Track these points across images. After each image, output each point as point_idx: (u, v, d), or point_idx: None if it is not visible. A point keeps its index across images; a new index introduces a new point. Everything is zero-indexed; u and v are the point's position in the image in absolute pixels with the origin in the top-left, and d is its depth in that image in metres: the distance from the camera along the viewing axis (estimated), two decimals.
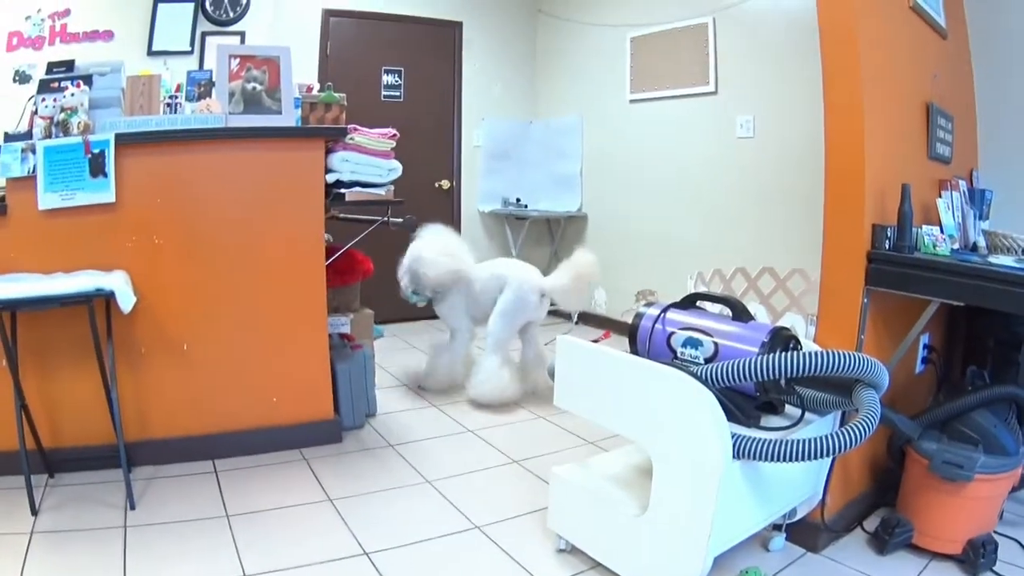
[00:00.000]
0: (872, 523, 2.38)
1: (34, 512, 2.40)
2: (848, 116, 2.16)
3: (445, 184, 5.80)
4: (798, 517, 2.25)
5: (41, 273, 2.52)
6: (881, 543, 2.25)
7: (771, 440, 1.75)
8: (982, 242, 2.62)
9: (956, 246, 2.44)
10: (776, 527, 2.29)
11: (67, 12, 4.23)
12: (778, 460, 1.73)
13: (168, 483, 2.72)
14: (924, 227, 2.27)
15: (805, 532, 2.30)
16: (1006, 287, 1.91)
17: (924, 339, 2.56)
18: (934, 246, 2.23)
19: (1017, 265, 2.04)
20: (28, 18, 4.16)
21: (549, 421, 3.57)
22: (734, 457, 1.74)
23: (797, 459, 1.72)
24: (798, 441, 1.73)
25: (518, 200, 5.87)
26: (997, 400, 2.20)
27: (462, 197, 5.89)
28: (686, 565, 1.82)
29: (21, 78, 4.11)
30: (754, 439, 1.75)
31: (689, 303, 2.24)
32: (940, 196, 2.51)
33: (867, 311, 2.19)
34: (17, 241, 2.59)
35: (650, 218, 5.09)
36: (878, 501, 2.52)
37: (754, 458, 1.74)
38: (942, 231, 2.35)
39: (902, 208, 2.17)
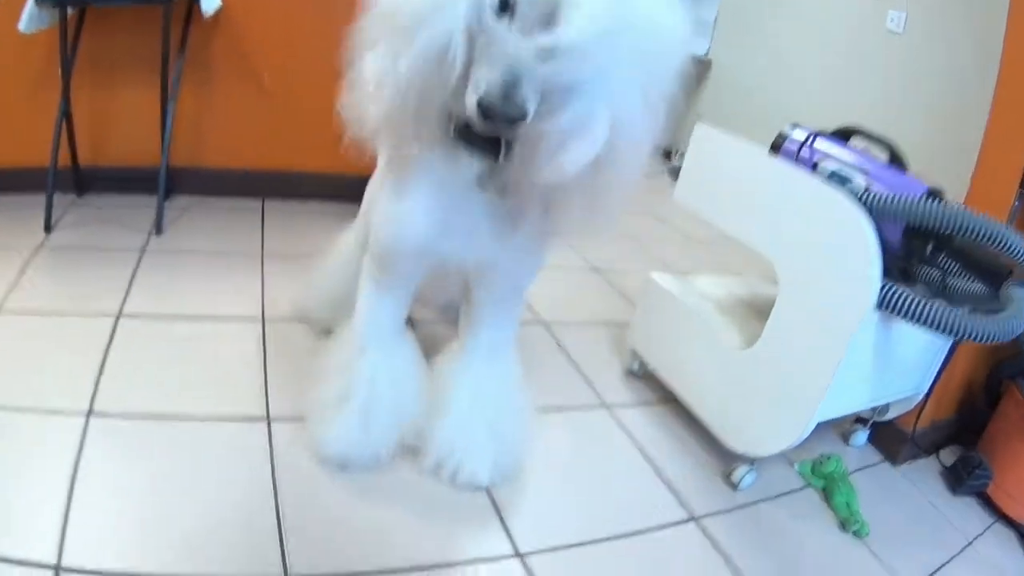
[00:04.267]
0: (948, 458, 2.14)
1: (48, 229, 2.27)
2: None
3: None
4: (888, 416, 2.02)
5: None
6: (957, 480, 2.02)
7: (927, 299, 1.48)
8: None
9: None
10: (861, 421, 2.08)
11: None
12: (927, 324, 1.47)
13: (206, 214, 2.58)
14: None
15: (889, 438, 2.09)
16: None
17: None
18: None
19: None
20: None
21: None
22: (878, 307, 1.48)
23: (947, 330, 1.45)
24: (953, 311, 1.46)
25: None
26: None
27: None
28: (787, 420, 1.61)
29: None
30: (907, 292, 1.48)
31: (843, 136, 1.84)
32: None
33: (1017, 213, 1.89)
34: None
35: (777, 93, 4.71)
36: (956, 436, 2.28)
37: (901, 313, 1.48)
38: None
39: None
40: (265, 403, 1.67)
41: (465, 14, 0.98)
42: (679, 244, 3.39)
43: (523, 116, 0.97)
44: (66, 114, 2.28)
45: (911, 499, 1.93)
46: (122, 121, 2.53)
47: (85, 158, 2.49)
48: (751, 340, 1.70)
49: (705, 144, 1.87)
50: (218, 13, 2.37)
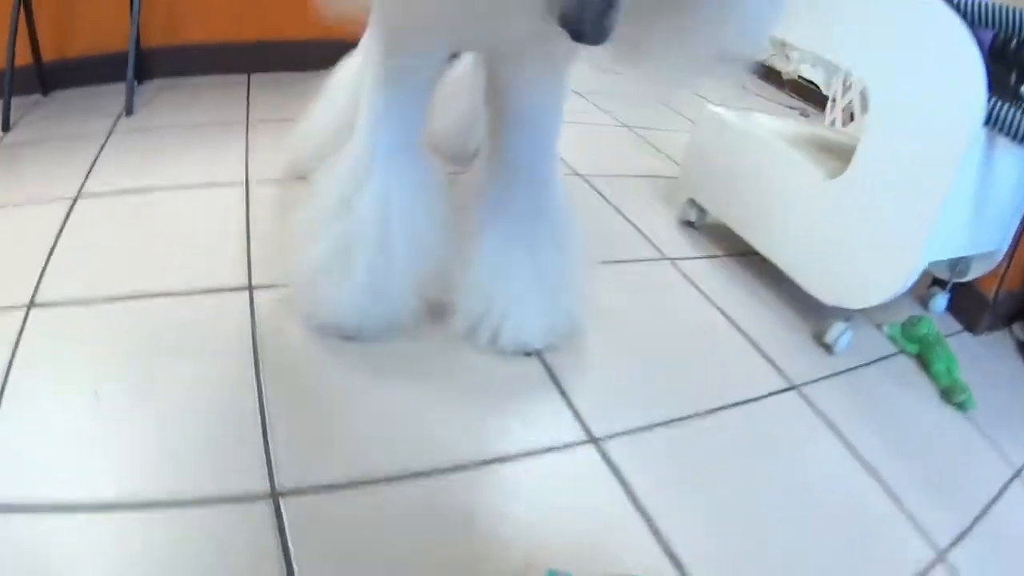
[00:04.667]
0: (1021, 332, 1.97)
1: (6, 128, 2.02)
2: None
3: None
4: (969, 277, 1.84)
5: None
6: None
7: None
8: None
9: None
10: (939, 284, 1.92)
11: None
12: None
13: (185, 93, 2.33)
14: None
15: (969, 304, 1.92)
16: None
17: None
18: None
19: None
20: None
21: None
22: (986, 124, 1.32)
23: None
24: None
25: None
26: None
27: None
28: (890, 262, 1.42)
29: None
30: (1016, 108, 1.31)
31: None
32: None
33: None
34: None
35: None
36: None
37: (1013, 131, 1.31)
38: None
39: None
40: (247, 272, 1.40)
41: None
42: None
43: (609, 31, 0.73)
44: (24, 4, 2.05)
45: (1000, 372, 1.76)
46: (86, 5, 2.26)
47: (48, 53, 2.24)
48: (834, 174, 1.52)
49: None
50: None
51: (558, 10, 0.73)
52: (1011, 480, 1.35)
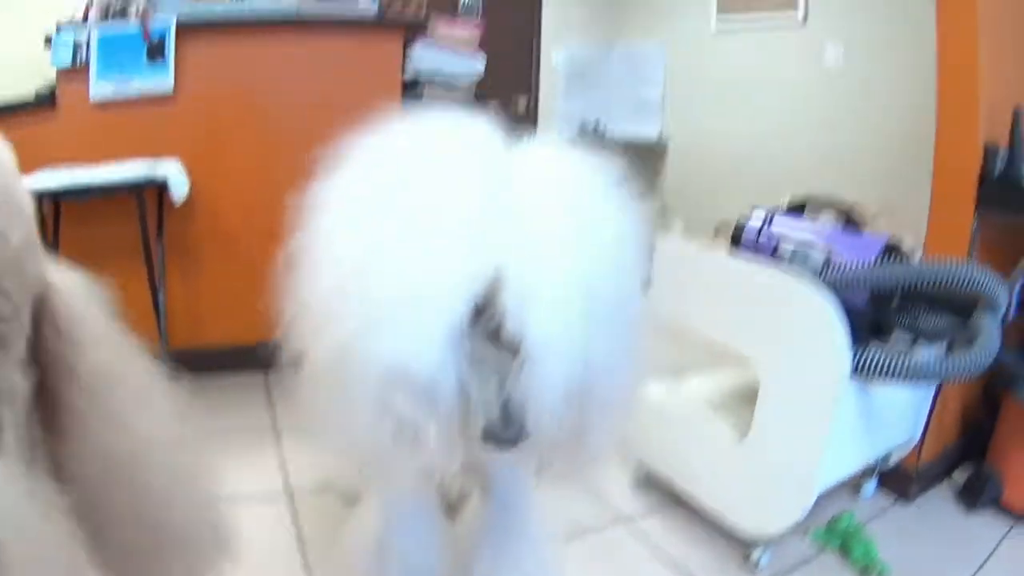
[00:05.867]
0: (961, 477, 2.20)
1: None
2: (962, 32, 1.97)
3: (521, 105, 5.54)
4: (892, 463, 2.09)
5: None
6: (971, 498, 2.08)
7: (898, 354, 1.56)
8: None
9: None
10: (868, 472, 2.13)
11: None
12: (904, 378, 1.55)
13: (215, 393, 2.57)
14: None
15: (897, 480, 2.14)
16: None
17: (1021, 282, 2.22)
18: None
19: None
20: None
21: None
22: (853, 373, 1.56)
23: (923, 378, 1.55)
24: (926, 357, 1.57)
25: (596, 125, 5.56)
26: None
27: (539, 118, 5.63)
28: (789, 498, 1.66)
29: None
30: (877, 353, 1.56)
31: (796, 209, 1.93)
32: None
33: (977, 235, 1.98)
34: (67, 135, 2.42)
35: (731, 148, 4.78)
36: (967, 454, 2.32)
37: (877, 374, 1.56)
38: None
39: (1015, 130, 1.95)
40: None
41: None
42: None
43: (526, 436, 0.91)
44: None
45: (930, 530, 1.98)
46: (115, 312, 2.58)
47: None
48: (746, 429, 1.75)
49: (670, 255, 1.93)
50: (189, 198, 2.43)
51: (482, 429, 0.90)
52: None
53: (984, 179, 1.94)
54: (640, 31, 5.58)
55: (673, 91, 5.32)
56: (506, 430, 0.90)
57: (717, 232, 4.37)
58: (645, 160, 5.53)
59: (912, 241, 1.98)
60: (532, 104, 5.59)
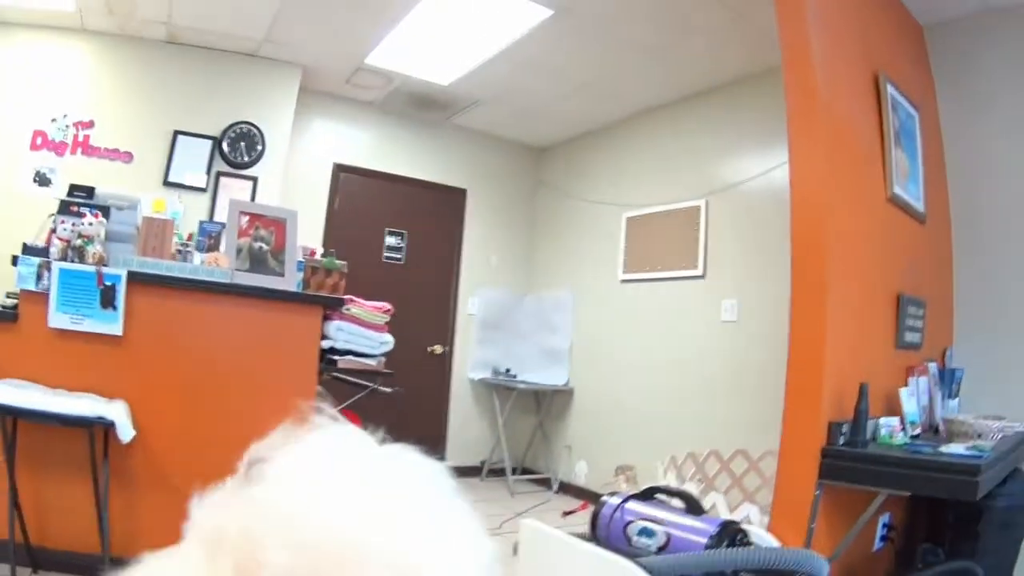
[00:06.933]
0: None
1: None
2: (811, 316, 2.32)
3: (438, 349, 5.93)
4: None
5: (45, 386, 2.61)
6: None
7: None
8: (943, 427, 2.73)
9: (917, 432, 2.58)
10: None
11: (91, 124, 4.38)
12: None
13: None
14: (883, 419, 2.41)
15: None
16: (948, 475, 2.02)
17: (884, 519, 2.59)
18: (890, 437, 2.36)
19: (965, 452, 2.14)
20: (54, 120, 4.28)
21: None
22: None
23: None
24: None
25: (508, 370, 5.97)
26: None
27: (454, 363, 5.99)
28: None
29: (41, 180, 4.21)
30: None
31: (648, 495, 2.30)
32: (906, 385, 2.65)
33: (819, 502, 2.26)
34: (25, 350, 2.67)
35: (634, 396, 5.11)
36: None
37: None
38: (903, 420, 2.48)
39: (858, 407, 2.30)
40: None
41: None
42: None
43: None
44: (15, 503, 2.48)
45: None
46: (63, 511, 2.71)
47: (36, 539, 2.65)
48: None
49: (532, 539, 2.12)
50: (134, 440, 2.62)
51: None
52: None
53: (827, 454, 2.24)
54: (552, 282, 6.11)
55: (579, 340, 5.74)
56: None
57: (616, 472, 4.71)
58: (554, 404, 5.99)
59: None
60: (449, 351, 6.03)
